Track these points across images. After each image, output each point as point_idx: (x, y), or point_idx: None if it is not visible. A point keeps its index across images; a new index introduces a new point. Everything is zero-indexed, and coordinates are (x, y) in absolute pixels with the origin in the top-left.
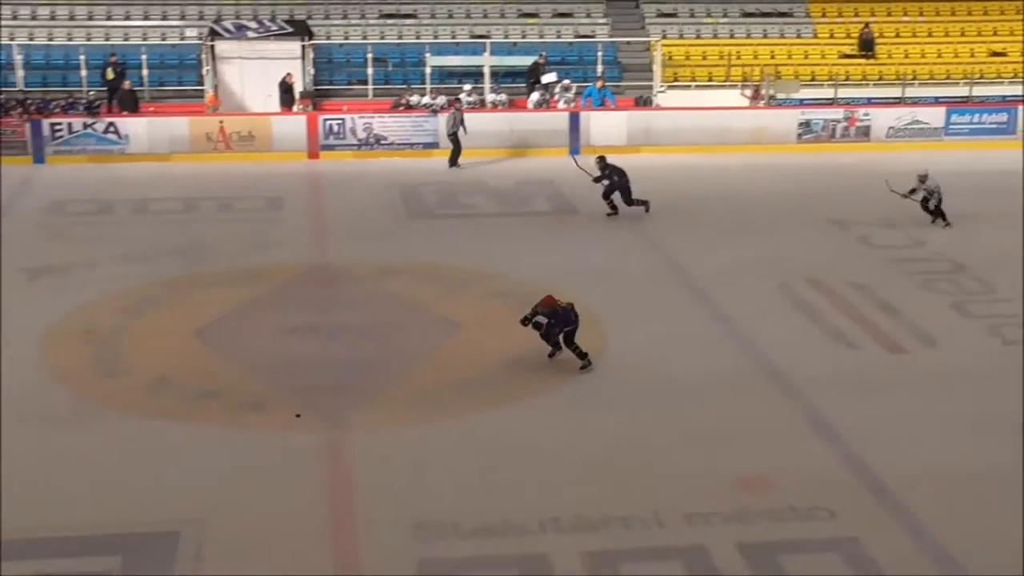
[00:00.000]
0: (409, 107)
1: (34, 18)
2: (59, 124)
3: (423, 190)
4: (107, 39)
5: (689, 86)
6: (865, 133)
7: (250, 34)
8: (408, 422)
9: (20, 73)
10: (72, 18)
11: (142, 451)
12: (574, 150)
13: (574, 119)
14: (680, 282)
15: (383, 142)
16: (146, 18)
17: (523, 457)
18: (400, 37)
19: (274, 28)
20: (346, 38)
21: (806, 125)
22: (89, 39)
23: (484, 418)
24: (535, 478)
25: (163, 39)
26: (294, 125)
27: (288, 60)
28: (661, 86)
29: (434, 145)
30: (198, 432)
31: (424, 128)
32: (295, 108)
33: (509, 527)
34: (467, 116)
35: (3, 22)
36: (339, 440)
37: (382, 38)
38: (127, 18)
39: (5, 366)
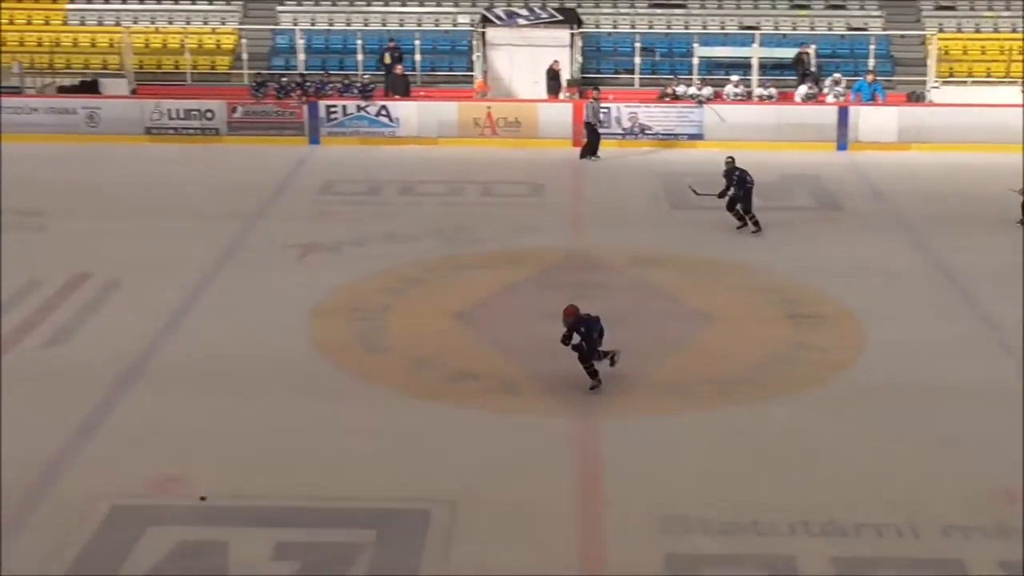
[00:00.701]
0: (675, 97)
1: (317, 3)
2: (334, 107)
3: (686, 181)
4: (383, 24)
5: (965, 82)
6: None
7: (521, 21)
8: (659, 413)
9: (301, 57)
10: (351, 3)
11: (399, 428)
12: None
13: (843, 113)
14: (946, 284)
15: (648, 132)
16: (421, 4)
17: (774, 456)
18: (668, 27)
19: (544, 16)
20: (615, 27)
21: None
22: (366, 24)
23: (736, 414)
24: (786, 478)
25: (436, 25)
26: (560, 112)
27: (556, 48)
28: (936, 81)
29: (699, 136)
30: (454, 413)
31: (689, 119)
32: (561, 96)
33: (758, 526)
34: (733, 108)
35: (288, 7)
36: (590, 428)
37: (650, 27)
38: (403, 4)
39: (276, 338)
